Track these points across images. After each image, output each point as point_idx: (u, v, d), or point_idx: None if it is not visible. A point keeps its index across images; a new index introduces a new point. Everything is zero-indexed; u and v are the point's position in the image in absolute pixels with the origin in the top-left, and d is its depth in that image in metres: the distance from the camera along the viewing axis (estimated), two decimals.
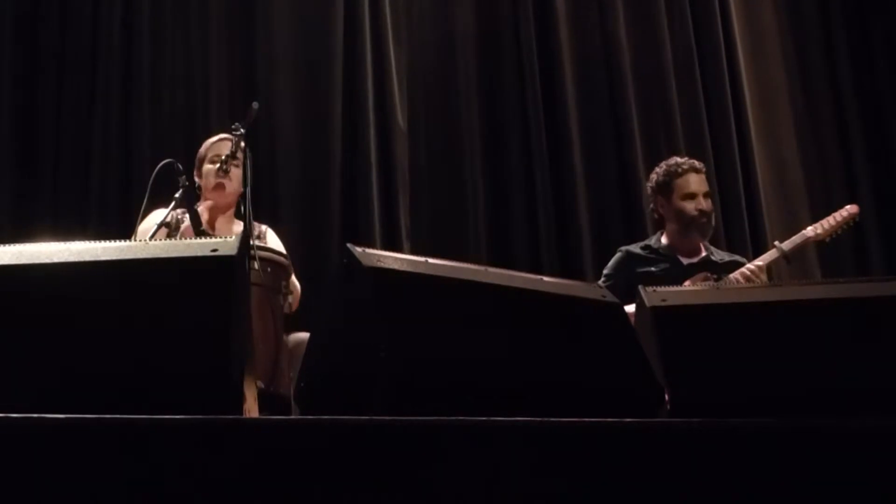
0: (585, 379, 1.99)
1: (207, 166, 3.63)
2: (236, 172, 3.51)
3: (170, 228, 3.42)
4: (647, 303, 2.08)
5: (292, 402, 2.73)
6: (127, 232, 3.40)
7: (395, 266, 1.96)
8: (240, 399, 1.72)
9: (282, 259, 3.17)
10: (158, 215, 3.37)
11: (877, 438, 1.77)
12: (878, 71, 5.41)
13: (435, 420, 1.65)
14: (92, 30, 4.78)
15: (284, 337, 3.11)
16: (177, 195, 3.34)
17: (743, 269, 3.66)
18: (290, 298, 3.12)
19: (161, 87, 4.77)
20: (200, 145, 3.81)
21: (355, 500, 1.56)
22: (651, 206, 4.01)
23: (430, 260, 2.03)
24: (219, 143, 3.66)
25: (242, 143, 3.18)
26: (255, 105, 3.15)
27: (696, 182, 3.82)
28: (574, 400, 1.88)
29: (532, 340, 2.00)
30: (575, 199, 4.97)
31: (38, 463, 1.50)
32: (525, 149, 5.01)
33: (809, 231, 3.78)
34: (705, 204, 3.81)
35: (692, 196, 3.80)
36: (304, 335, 3.12)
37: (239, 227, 3.65)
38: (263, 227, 3.69)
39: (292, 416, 2.47)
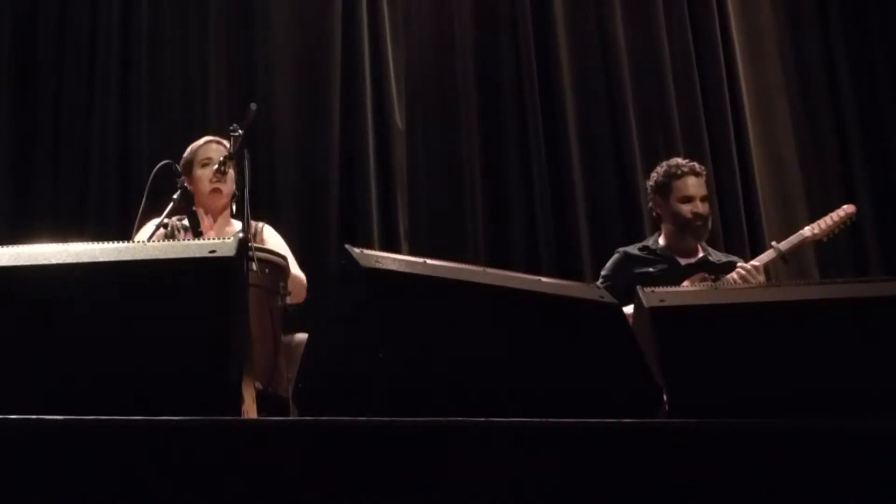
0: (584, 379, 1.99)
1: (199, 171, 3.58)
2: (230, 174, 3.49)
3: (167, 230, 3.41)
4: (646, 303, 2.09)
5: (290, 403, 2.73)
6: (125, 233, 3.40)
7: (393, 267, 1.96)
8: (238, 400, 1.72)
9: (279, 260, 3.17)
10: (156, 223, 3.36)
11: (874, 439, 1.77)
12: (877, 71, 5.41)
13: (433, 421, 1.66)
14: (91, 30, 4.77)
15: (283, 337, 3.11)
16: (175, 196, 3.34)
17: (738, 269, 3.65)
18: (288, 298, 3.11)
19: (159, 88, 4.77)
20: None
21: (354, 500, 1.57)
22: (650, 204, 4.02)
23: (429, 261, 2.04)
24: (206, 147, 3.64)
25: (240, 145, 3.17)
26: (254, 106, 3.15)
27: (694, 185, 3.82)
28: (572, 400, 1.88)
29: (530, 341, 2.00)
30: (573, 200, 4.97)
31: (37, 464, 1.50)
32: (523, 149, 5.01)
33: (807, 231, 3.78)
34: (702, 208, 3.82)
35: (689, 199, 3.81)
36: (303, 336, 3.12)
37: (235, 226, 3.64)
38: (260, 224, 3.68)
39: (291, 418, 2.47)
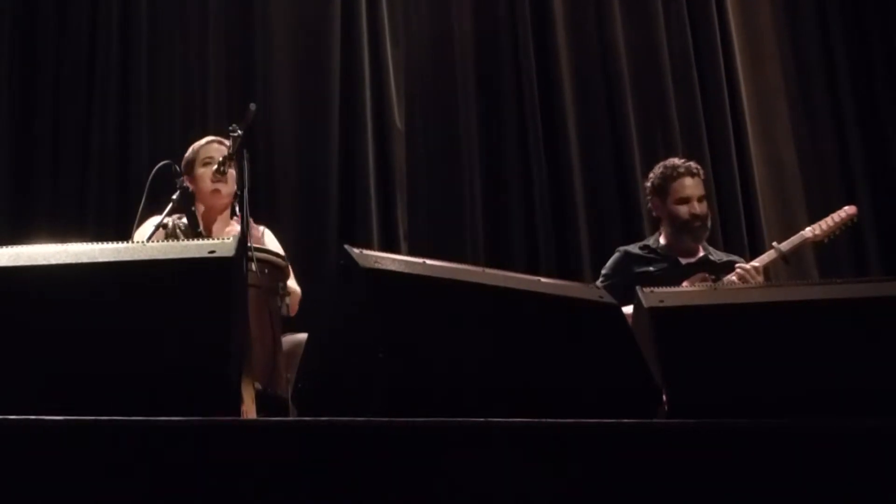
0: (583, 380, 1.99)
1: (201, 170, 3.59)
2: (231, 173, 3.50)
3: (167, 231, 3.41)
4: (645, 304, 2.09)
5: (290, 404, 2.73)
6: (125, 233, 3.40)
7: (393, 267, 1.96)
8: (238, 400, 1.72)
9: (279, 260, 3.17)
10: (153, 224, 3.35)
11: (874, 439, 1.77)
12: (876, 71, 5.41)
13: (432, 421, 1.66)
14: (90, 31, 4.77)
15: (282, 338, 3.11)
16: (174, 196, 3.34)
17: (737, 269, 3.65)
18: (287, 300, 3.11)
19: (159, 89, 4.76)
20: None
21: (354, 500, 1.57)
22: (648, 205, 4.02)
23: (428, 261, 2.04)
24: (207, 146, 3.64)
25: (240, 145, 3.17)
26: (253, 107, 3.15)
27: (691, 186, 3.82)
28: (572, 401, 1.88)
29: (530, 341, 2.00)
30: (572, 200, 4.97)
31: (36, 464, 1.50)
32: (523, 149, 5.01)
33: (808, 232, 3.77)
34: (699, 208, 3.81)
35: (686, 200, 3.80)
36: (302, 336, 3.11)
37: (235, 227, 3.64)
38: (262, 227, 3.68)
39: (290, 418, 2.47)
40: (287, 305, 3.12)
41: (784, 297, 2.17)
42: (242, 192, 3.07)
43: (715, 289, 2.86)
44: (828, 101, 5.39)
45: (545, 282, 2.23)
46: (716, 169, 5.02)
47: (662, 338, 2.03)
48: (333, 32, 4.94)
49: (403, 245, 4.74)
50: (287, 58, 4.94)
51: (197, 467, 1.53)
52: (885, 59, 5.40)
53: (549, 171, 4.98)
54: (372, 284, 1.89)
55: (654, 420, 1.95)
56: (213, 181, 3.52)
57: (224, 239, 1.86)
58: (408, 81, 5.03)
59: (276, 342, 3.01)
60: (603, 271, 3.94)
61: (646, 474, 1.68)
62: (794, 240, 3.77)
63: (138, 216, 3.30)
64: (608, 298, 2.20)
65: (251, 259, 2.85)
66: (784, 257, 3.72)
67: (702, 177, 3.90)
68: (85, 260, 1.81)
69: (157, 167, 3.31)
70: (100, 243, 1.86)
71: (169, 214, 3.36)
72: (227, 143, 3.50)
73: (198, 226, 3.43)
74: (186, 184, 3.47)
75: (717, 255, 3.92)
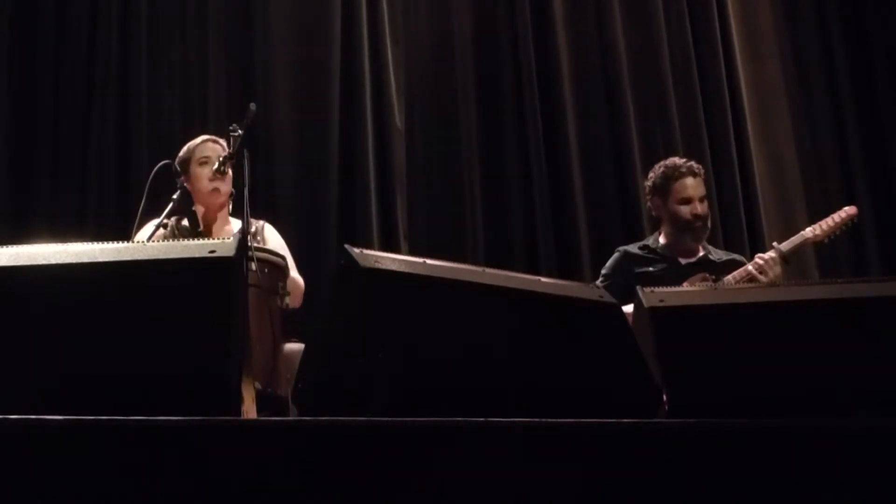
0: (583, 380, 1.99)
1: (197, 169, 3.59)
2: (228, 173, 3.50)
3: (167, 231, 3.41)
4: (645, 303, 2.09)
5: (290, 403, 2.73)
6: (125, 233, 3.40)
7: (393, 267, 1.96)
8: (238, 400, 1.72)
9: (278, 260, 3.17)
10: (155, 224, 3.36)
11: (874, 439, 1.77)
12: (876, 71, 5.41)
13: (433, 421, 1.66)
14: (90, 31, 4.77)
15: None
16: (175, 196, 3.34)
17: (756, 259, 3.66)
18: (287, 298, 3.11)
19: (159, 89, 4.76)
20: None
21: (354, 500, 1.57)
22: (648, 205, 4.02)
23: (428, 261, 2.04)
24: (203, 145, 3.64)
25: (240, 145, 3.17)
26: (253, 107, 3.15)
27: (692, 186, 3.81)
28: (572, 401, 1.88)
29: (530, 341, 2.00)
30: (572, 200, 4.97)
31: (36, 464, 1.50)
32: (523, 149, 5.01)
33: (808, 232, 3.77)
34: (700, 208, 3.80)
35: (688, 201, 3.79)
36: (297, 346, 3.12)
37: (234, 225, 3.64)
38: (261, 222, 3.68)
39: (290, 418, 2.47)
40: (287, 305, 3.12)
41: (784, 297, 2.17)
42: (242, 191, 3.07)
43: (715, 289, 2.86)
44: (828, 100, 5.39)
45: (545, 282, 2.23)
46: (716, 168, 5.02)
47: (662, 338, 2.02)
48: (333, 32, 4.94)
49: (403, 245, 4.74)
50: (287, 58, 4.94)
51: (197, 467, 1.53)
52: (884, 58, 5.40)
53: (549, 171, 4.98)
54: (372, 284, 1.89)
55: (654, 420, 1.95)
56: (211, 180, 3.52)
57: (224, 239, 1.86)
58: (408, 81, 5.03)
59: (276, 342, 3.01)
60: (603, 271, 3.94)
61: (646, 474, 1.68)
62: (794, 240, 3.77)
63: (138, 216, 3.30)
64: (608, 298, 2.20)
65: (252, 259, 2.85)
66: (784, 257, 3.72)
67: (703, 176, 3.89)
68: (85, 260, 1.81)
69: (156, 167, 3.31)
70: (100, 243, 1.86)
71: (169, 215, 3.36)
72: (222, 141, 3.50)
73: (198, 226, 3.43)
74: (185, 184, 3.48)
75: (717, 255, 3.91)
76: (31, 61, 4.73)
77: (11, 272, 1.78)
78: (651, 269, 3.80)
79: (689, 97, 5.21)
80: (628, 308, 2.33)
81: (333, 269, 3.38)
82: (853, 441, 1.77)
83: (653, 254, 3.86)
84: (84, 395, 1.66)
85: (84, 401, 1.61)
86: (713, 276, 3.67)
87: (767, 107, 5.37)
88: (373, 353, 1.81)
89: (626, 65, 5.19)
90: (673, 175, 3.82)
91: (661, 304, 2.07)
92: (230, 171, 3.48)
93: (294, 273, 3.46)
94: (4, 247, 1.84)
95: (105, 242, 1.87)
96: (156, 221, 3.35)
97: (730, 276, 3.65)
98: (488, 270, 2.13)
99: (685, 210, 3.79)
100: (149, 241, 3.02)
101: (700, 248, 3.88)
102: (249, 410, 1.97)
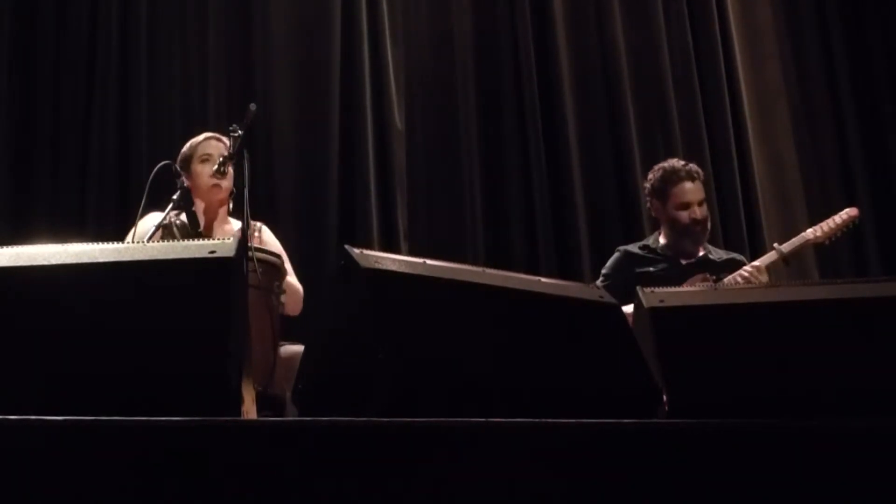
0: (583, 380, 1.99)
1: (199, 166, 3.59)
2: (229, 172, 3.50)
3: (166, 230, 3.41)
4: (645, 304, 2.09)
5: (290, 404, 2.73)
6: (125, 233, 3.39)
7: (393, 267, 1.96)
8: (238, 400, 1.72)
9: (274, 259, 3.17)
10: (155, 218, 3.36)
11: (874, 439, 1.77)
12: (876, 71, 5.40)
13: (433, 421, 1.66)
14: (90, 30, 4.77)
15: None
16: (174, 196, 3.34)
17: (741, 271, 3.65)
18: (282, 299, 3.11)
19: (159, 88, 4.76)
20: None
21: (354, 501, 1.56)
22: (647, 206, 4.01)
23: (428, 261, 2.04)
24: (205, 143, 3.64)
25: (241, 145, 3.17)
26: (253, 107, 3.14)
27: (690, 191, 3.79)
28: (572, 401, 1.88)
29: (530, 341, 2.00)
30: (572, 200, 4.97)
31: (36, 464, 1.50)
32: (522, 149, 5.01)
33: (809, 233, 3.77)
34: (699, 213, 3.79)
35: (686, 206, 3.77)
36: (297, 347, 3.12)
37: (233, 225, 3.64)
38: (258, 224, 3.68)
39: (290, 418, 2.47)
40: (283, 304, 3.12)
41: (784, 297, 2.17)
42: (242, 191, 3.07)
43: (715, 289, 2.86)
44: (828, 101, 5.39)
45: (545, 282, 2.23)
46: (716, 169, 5.02)
47: (662, 338, 2.03)
48: (333, 32, 4.94)
49: (403, 245, 4.74)
50: (287, 58, 4.94)
51: (197, 467, 1.53)
52: (884, 58, 5.40)
53: (549, 171, 4.98)
54: (372, 284, 1.89)
55: (654, 420, 1.95)
56: (211, 179, 3.52)
57: (224, 239, 1.86)
58: (408, 81, 5.03)
59: (276, 342, 3.01)
60: (603, 271, 3.93)
61: (646, 474, 1.68)
62: (795, 241, 3.76)
63: (138, 216, 3.30)
64: (608, 298, 2.20)
65: (251, 259, 2.85)
66: (785, 258, 3.72)
67: (702, 179, 3.88)
68: (85, 260, 1.81)
69: (157, 167, 3.31)
70: (100, 243, 1.86)
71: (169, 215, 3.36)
72: (225, 139, 3.50)
73: (198, 225, 3.43)
74: (185, 182, 3.48)
75: (718, 254, 3.91)
76: (32, 61, 4.73)
77: (11, 272, 1.78)
78: (651, 269, 3.79)
79: (689, 97, 5.20)
80: (628, 308, 2.34)
81: (333, 269, 3.37)
82: (853, 441, 1.77)
83: (653, 254, 3.86)
84: (84, 395, 1.66)
85: (84, 401, 1.61)
86: (713, 276, 3.67)
87: (767, 107, 5.36)
88: (373, 354, 1.81)
89: (626, 65, 5.19)
90: (671, 179, 3.81)
91: (661, 305, 2.07)
92: (230, 170, 3.48)
93: (293, 279, 3.46)
94: (4, 247, 1.84)
95: (105, 242, 1.87)
96: (155, 214, 3.36)
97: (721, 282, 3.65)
98: (488, 271, 2.14)
99: (684, 215, 3.77)
100: (149, 242, 3.02)
101: (700, 247, 3.88)
102: (249, 411, 1.97)
